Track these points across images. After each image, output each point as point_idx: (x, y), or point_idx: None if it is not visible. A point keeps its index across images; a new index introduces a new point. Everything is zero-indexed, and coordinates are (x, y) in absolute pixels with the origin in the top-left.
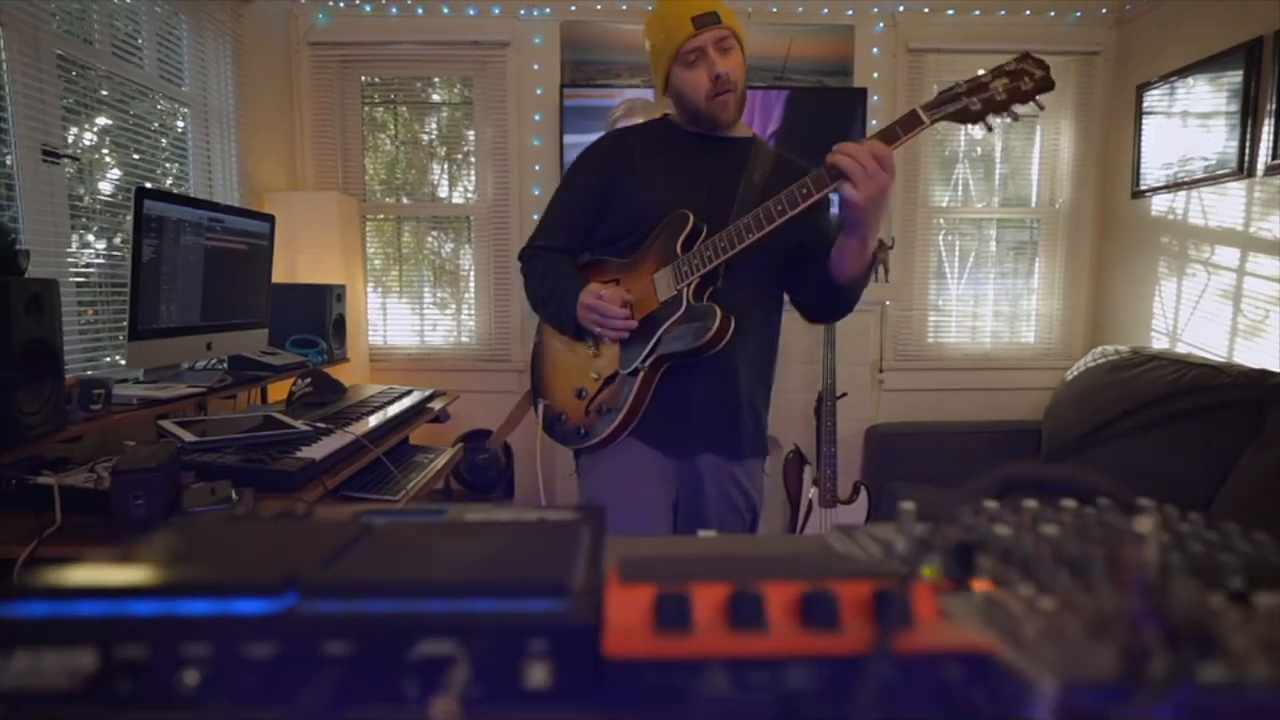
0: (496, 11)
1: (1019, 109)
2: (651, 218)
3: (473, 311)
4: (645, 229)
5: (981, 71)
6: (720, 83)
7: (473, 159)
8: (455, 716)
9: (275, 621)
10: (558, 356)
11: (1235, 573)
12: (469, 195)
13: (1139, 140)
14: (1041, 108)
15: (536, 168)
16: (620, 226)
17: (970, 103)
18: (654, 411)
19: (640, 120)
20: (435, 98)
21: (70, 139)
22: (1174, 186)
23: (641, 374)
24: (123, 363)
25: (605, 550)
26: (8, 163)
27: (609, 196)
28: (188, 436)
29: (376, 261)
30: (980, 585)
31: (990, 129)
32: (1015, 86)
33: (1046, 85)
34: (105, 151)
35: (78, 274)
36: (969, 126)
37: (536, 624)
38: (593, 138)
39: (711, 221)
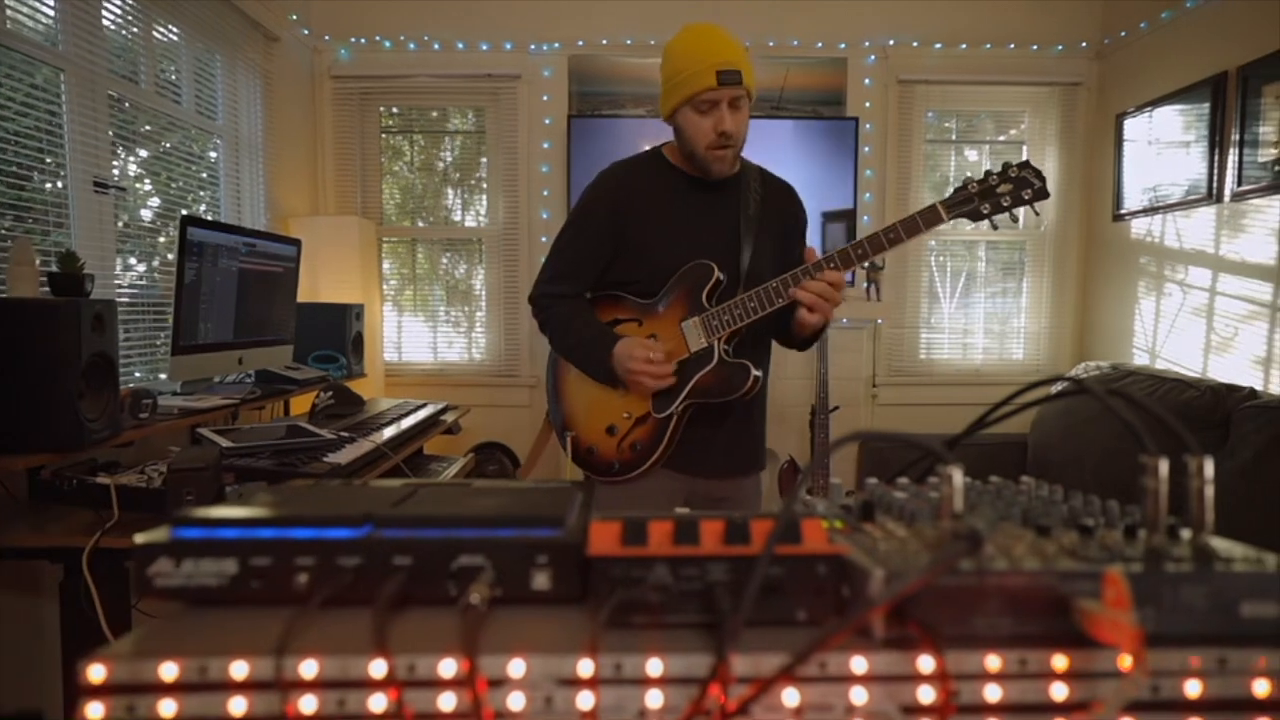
0: (508, 46)
1: (1018, 211)
2: (665, 264)
3: (484, 329)
4: (661, 275)
5: (990, 172)
6: (723, 138)
7: (485, 185)
8: (485, 601)
9: (358, 543)
10: (583, 393)
11: (1044, 517)
12: (481, 219)
13: (1119, 166)
14: (1038, 214)
15: (545, 193)
16: (633, 272)
17: (981, 205)
18: (682, 444)
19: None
20: (450, 126)
21: (115, 170)
22: (1151, 210)
23: (675, 416)
24: (162, 376)
25: (592, 505)
26: (55, 189)
27: (619, 243)
28: (225, 443)
29: (392, 282)
30: (870, 528)
31: (995, 227)
32: (1018, 194)
33: (1043, 195)
34: (148, 183)
35: (120, 294)
36: (975, 223)
37: (542, 545)
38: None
39: (723, 263)
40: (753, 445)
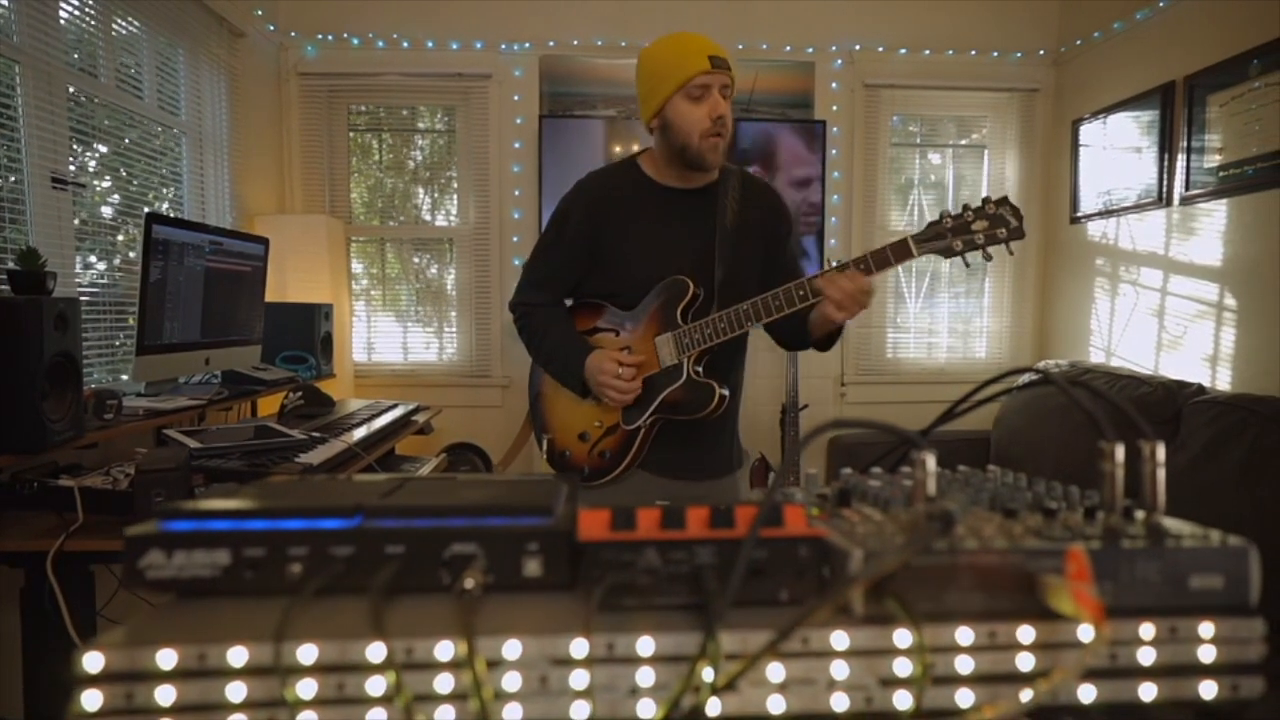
0: (479, 45)
1: (992, 250)
2: (640, 277)
3: (455, 330)
4: (637, 288)
5: (967, 206)
6: (718, 124)
7: (455, 184)
8: (480, 586)
9: (350, 533)
10: (559, 399)
11: (1010, 501)
12: (452, 219)
13: (1075, 170)
14: (1012, 253)
15: (516, 193)
16: (611, 283)
17: (953, 242)
18: (653, 452)
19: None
20: (420, 125)
21: (74, 166)
22: (1106, 214)
23: (643, 429)
24: (123, 377)
25: (578, 496)
26: (10, 182)
27: (595, 255)
28: (193, 444)
29: (363, 281)
30: (847, 513)
31: (968, 265)
32: (993, 232)
33: (1018, 235)
34: (107, 179)
35: (79, 293)
36: (949, 260)
37: (532, 533)
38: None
39: (699, 275)
40: (724, 452)
